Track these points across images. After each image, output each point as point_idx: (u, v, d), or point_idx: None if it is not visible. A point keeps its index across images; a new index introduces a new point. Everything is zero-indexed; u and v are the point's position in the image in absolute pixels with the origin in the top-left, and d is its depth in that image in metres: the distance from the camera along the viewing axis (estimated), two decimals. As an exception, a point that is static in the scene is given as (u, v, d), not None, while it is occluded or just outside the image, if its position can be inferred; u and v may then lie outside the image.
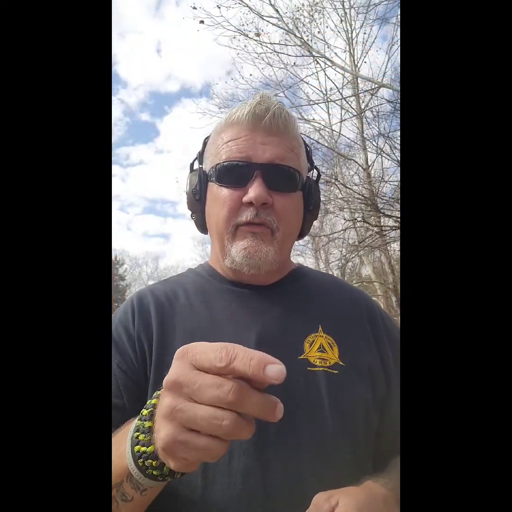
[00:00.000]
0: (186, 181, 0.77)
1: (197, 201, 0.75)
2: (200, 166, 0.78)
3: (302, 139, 0.76)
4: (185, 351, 0.40)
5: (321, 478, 0.59)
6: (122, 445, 0.47)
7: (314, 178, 0.79)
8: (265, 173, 0.68)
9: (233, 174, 0.69)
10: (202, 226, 0.78)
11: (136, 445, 0.44)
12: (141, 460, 0.44)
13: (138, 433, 0.44)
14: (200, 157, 0.78)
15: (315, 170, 0.80)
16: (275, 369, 0.35)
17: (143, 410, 0.46)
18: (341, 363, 0.67)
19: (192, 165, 0.79)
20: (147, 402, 0.46)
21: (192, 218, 0.80)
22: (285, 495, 0.57)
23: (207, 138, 0.78)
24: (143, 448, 0.44)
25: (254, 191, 0.66)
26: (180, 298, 0.74)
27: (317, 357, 0.66)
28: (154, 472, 0.44)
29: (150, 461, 0.43)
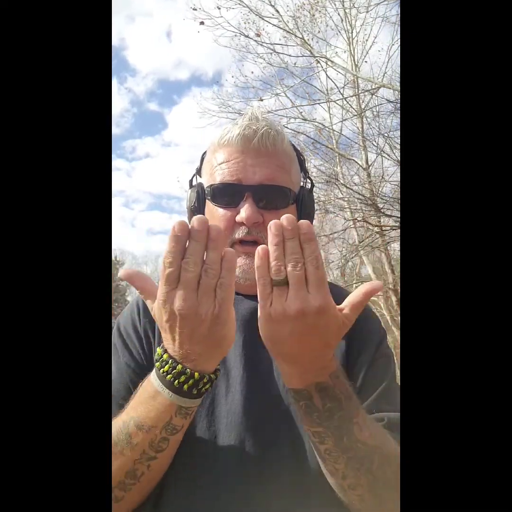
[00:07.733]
0: (186, 197, 0.83)
1: None
2: (199, 181, 0.83)
3: (295, 148, 0.81)
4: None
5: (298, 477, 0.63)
6: (156, 399, 0.55)
7: (308, 187, 0.83)
8: (255, 194, 0.74)
9: (226, 195, 0.75)
10: None
11: (167, 376, 0.53)
12: (177, 381, 0.53)
13: (162, 369, 0.53)
14: (198, 172, 0.84)
15: (308, 179, 0.84)
16: None
17: (155, 359, 0.55)
18: None
19: (191, 181, 0.85)
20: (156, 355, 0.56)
21: None
22: (265, 490, 0.61)
23: (204, 154, 0.83)
24: (174, 371, 0.52)
25: (245, 211, 0.72)
26: None
27: None
28: (188, 386, 0.53)
29: (182, 377, 0.52)
